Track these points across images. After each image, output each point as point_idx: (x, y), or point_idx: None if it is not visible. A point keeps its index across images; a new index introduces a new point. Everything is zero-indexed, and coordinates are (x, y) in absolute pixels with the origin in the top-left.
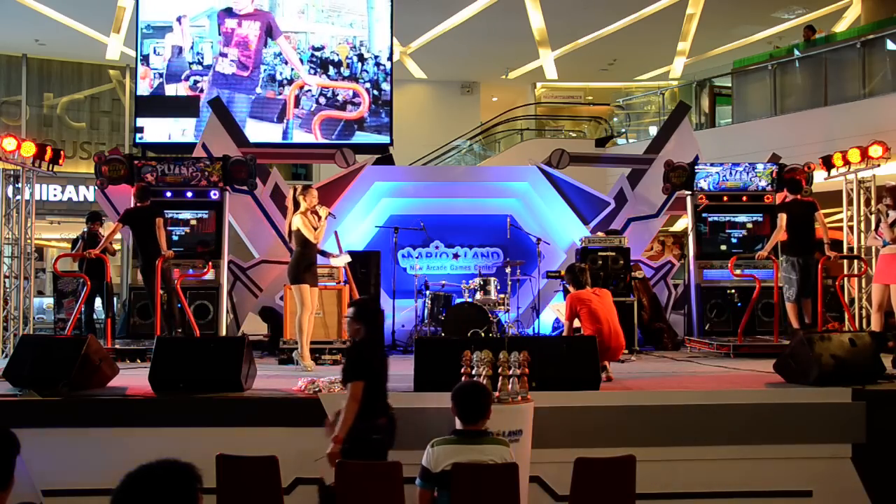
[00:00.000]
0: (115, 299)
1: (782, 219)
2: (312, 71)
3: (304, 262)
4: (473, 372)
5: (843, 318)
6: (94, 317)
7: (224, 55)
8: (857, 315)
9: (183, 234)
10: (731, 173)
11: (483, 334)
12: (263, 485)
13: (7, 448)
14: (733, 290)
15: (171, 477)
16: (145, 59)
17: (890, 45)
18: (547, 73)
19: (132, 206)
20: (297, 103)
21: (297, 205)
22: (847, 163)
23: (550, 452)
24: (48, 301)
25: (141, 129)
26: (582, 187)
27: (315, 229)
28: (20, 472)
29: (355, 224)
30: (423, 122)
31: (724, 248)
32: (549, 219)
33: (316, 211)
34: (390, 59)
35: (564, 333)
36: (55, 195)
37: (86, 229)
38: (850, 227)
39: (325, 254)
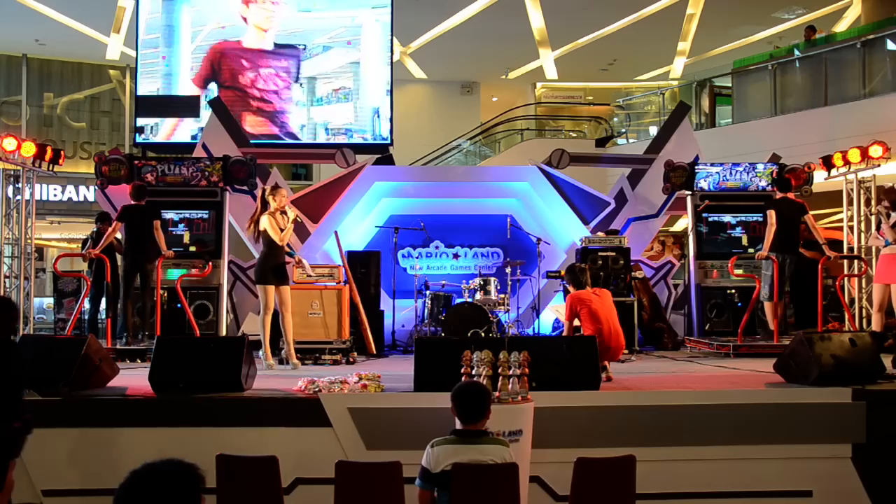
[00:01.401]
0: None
1: (771, 215)
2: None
3: (271, 263)
4: (473, 372)
5: (843, 318)
6: (99, 316)
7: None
8: (857, 315)
9: (183, 234)
10: (731, 173)
11: (483, 334)
12: (263, 485)
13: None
14: (733, 290)
15: (174, 477)
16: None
17: (890, 45)
18: (547, 73)
19: (129, 203)
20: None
21: (265, 205)
22: (847, 163)
23: (550, 452)
24: (48, 301)
25: (141, 129)
26: (582, 187)
27: (282, 230)
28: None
29: (355, 224)
30: (423, 122)
31: (724, 248)
32: (549, 219)
33: (285, 211)
34: (391, 63)
35: (564, 333)
36: (55, 195)
37: (95, 229)
38: (850, 227)
39: (290, 255)
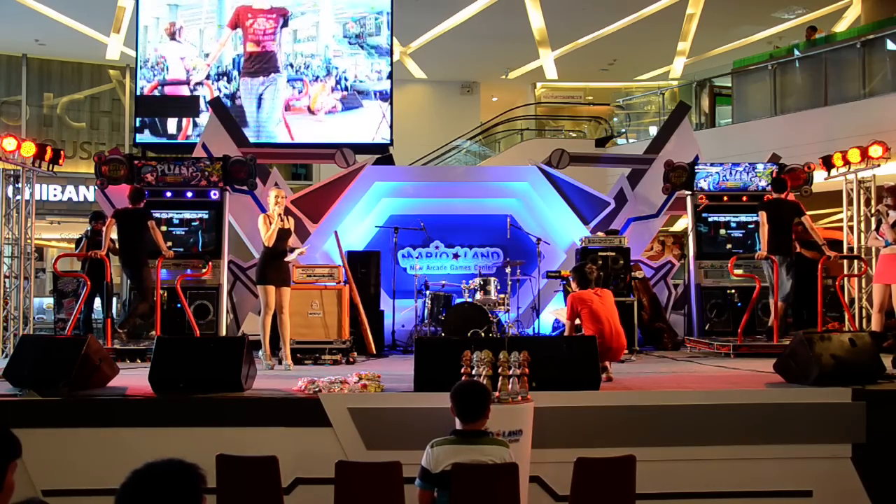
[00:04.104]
0: (114, 299)
1: (762, 216)
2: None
3: (268, 262)
4: (473, 372)
5: (843, 318)
6: (93, 316)
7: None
8: (857, 315)
9: (183, 234)
10: (731, 173)
11: (483, 334)
12: (263, 485)
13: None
14: (733, 290)
15: (175, 476)
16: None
17: (890, 45)
18: (547, 73)
19: (125, 206)
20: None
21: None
22: (847, 163)
23: (550, 452)
24: (48, 301)
25: (141, 129)
26: (582, 187)
27: (269, 231)
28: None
29: (355, 224)
30: (423, 122)
31: (724, 248)
32: (549, 219)
33: (281, 214)
34: (390, 59)
35: (566, 333)
36: (55, 195)
37: (89, 228)
38: (850, 227)
39: (291, 250)
